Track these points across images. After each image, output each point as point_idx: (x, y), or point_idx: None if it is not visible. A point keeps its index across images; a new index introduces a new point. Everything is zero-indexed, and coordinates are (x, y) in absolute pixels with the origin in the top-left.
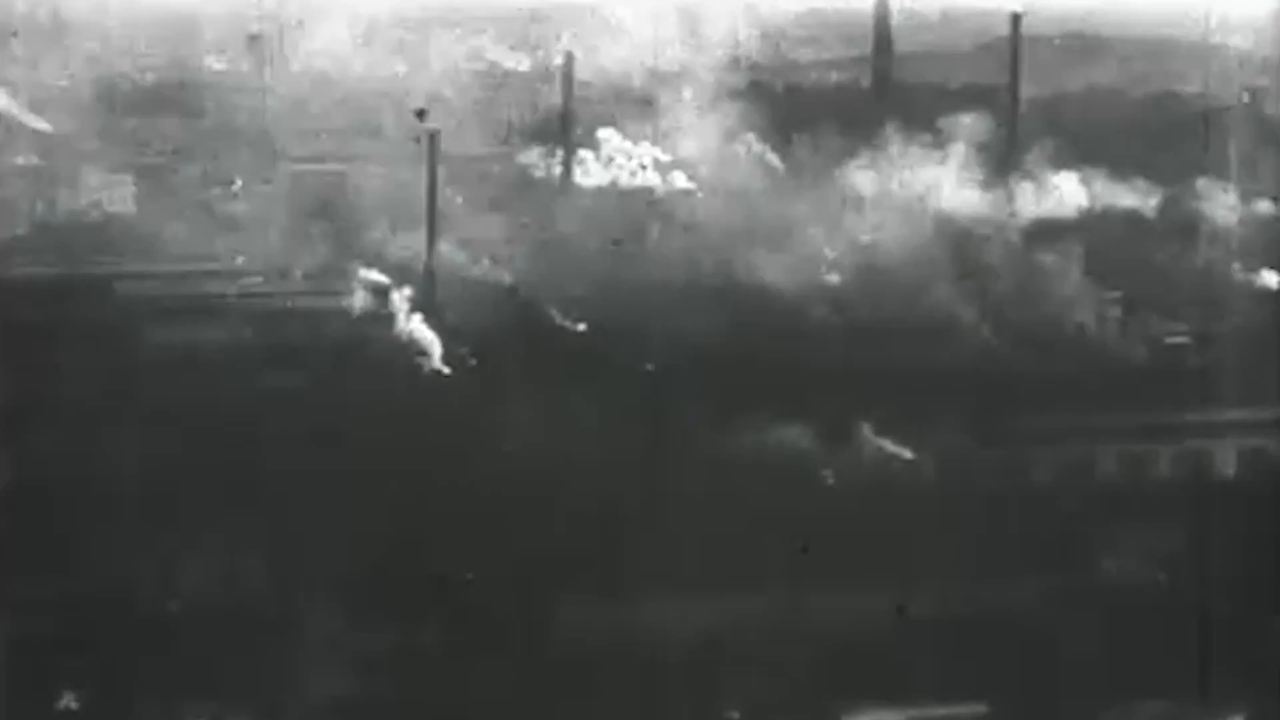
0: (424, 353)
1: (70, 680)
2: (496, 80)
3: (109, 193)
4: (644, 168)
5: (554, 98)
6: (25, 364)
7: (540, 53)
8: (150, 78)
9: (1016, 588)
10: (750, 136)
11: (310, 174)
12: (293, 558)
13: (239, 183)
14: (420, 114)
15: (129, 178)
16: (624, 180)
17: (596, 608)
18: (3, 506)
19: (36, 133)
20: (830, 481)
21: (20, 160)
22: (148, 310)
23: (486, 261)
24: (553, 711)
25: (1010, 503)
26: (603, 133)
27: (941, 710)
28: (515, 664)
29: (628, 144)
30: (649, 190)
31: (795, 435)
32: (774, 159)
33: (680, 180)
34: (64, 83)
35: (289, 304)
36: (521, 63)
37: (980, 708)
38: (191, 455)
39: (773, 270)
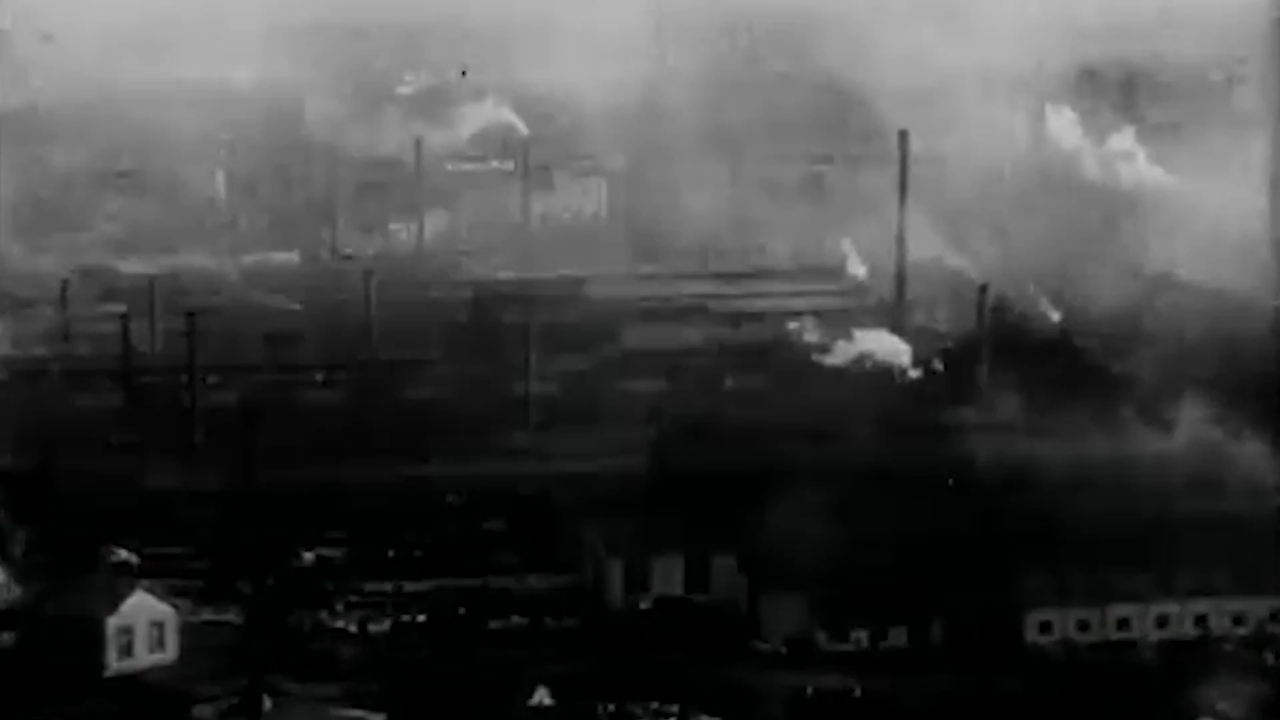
0: (892, 354)
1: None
2: (955, 79)
3: (577, 197)
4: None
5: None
6: (499, 363)
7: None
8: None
9: None
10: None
11: (781, 176)
12: (762, 557)
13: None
14: None
15: (602, 181)
16: (1097, 178)
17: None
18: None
19: (517, 138)
20: None
21: (496, 164)
22: (621, 312)
23: (955, 259)
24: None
25: None
26: (1065, 122)
27: None
28: (988, 667)
29: (1108, 140)
30: (1122, 186)
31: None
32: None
33: (1159, 177)
34: (541, 87)
35: (754, 305)
36: (985, 59)
37: None
38: (661, 457)
39: (1251, 270)
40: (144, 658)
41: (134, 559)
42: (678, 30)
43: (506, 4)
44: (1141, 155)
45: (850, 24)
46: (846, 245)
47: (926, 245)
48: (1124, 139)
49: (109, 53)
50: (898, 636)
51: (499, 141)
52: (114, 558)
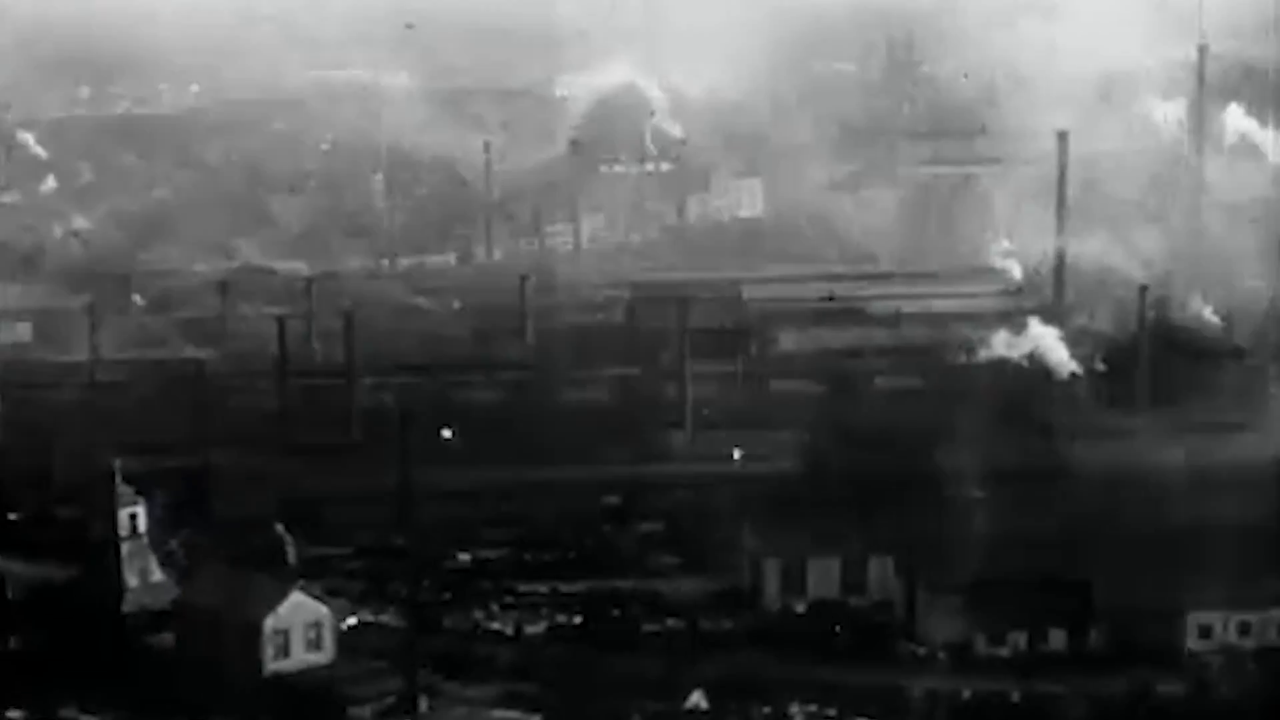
0: (1051, 354)
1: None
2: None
3: (733, 198)
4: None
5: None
6: (655, 365)
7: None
8: (776, 80)
9: None
10: None
11: (935, 177)
12: (920, 560)
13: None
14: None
15: (757, 183)
16: (1258, 178)
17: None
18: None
19: (673, 140)
20: None
21: (651, 167)
22: (777, 313)
23: (1114, 260)
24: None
25: None
26: (1227, 120)
27: None
28: (1148, 671)
29: (1271, 139)
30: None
31: None
32: None
33: None
34: (696, 90)
35: (911, 306)
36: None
37: None
38: (818, 459)
39: None
40: (300, 658)
41: (287, 537)
42: (827, 34)
43: (657, 9)
44: None
45: (1001, 24)
46: (1003, 246)
47: (1084, 246)
48: None
49: (268, 55)
50: (1057, 640)
51: (655, 144)
52: (271, 534)
